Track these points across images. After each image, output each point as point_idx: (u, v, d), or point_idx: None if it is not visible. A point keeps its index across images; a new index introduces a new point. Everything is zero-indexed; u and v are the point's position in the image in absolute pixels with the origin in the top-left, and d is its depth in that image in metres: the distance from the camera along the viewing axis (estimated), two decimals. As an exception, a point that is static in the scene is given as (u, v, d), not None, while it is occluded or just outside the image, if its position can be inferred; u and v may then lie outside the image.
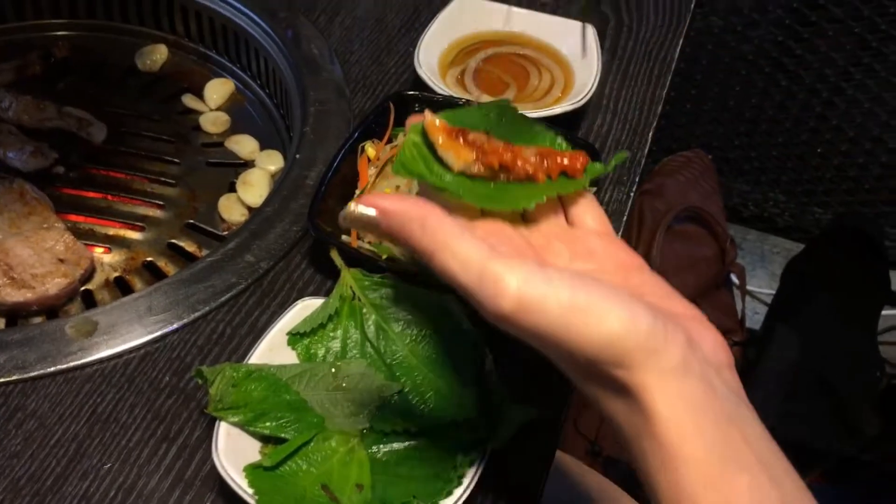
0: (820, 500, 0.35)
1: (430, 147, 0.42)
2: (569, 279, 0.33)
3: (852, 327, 1.42)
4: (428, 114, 0.42)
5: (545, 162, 0.42)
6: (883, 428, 1.32)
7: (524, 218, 0.43)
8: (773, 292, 1.58)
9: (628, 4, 0.91)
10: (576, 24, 0.82)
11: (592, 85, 0.75)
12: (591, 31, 0.80)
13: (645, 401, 0.33)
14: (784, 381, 1.36)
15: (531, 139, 0.46)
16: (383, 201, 0.35)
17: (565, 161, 0.43)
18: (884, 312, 1.47)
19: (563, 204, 0.44)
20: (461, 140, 0.41)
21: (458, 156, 0.40)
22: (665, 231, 1.37)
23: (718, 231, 1.40)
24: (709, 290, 1.39)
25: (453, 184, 0.41)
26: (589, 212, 0.44)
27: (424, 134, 0.42)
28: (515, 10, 0.83)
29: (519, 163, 0.41)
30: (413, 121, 0.42)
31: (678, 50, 0.86)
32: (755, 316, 1.67)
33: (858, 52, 1.45)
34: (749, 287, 1.55)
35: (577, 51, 0.80)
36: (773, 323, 1.46)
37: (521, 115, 0.47)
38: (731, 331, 1.38)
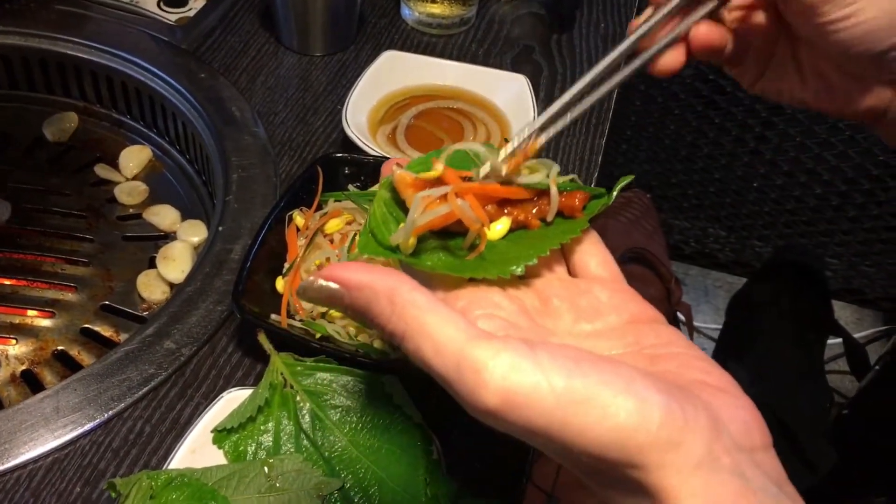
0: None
1: (403, 205, 0.36)
2: (562, 361, 0.28)
3: (799, 359, 1.41)
4: (395, 166, 0.36)
5: (538, 204, 0.37)
6: (838, 461, 1.31)
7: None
8: (719, 327, 1.57)
9: (561, 52, 0.89)
10: (508, 75, 0.79)
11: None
12: (524, 81, 0.77)
13: None
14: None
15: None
16: (345, 273, 0.30)
17: (562, 200, 0.37)
18: (828, 342, 1.47)
19: (562, 249, 0.38)
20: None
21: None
22: (610, 274, 1.35)
23: (663, 271, 1.38)
24: (657, 332, 1.37)
25: (428, 256, 0.35)
26: (593, 255, 0.38)
27: (395, 189, 0.36)
28: (445, 62, 0.80)
29: (507, 210, 0.36)
30: (386, 170, 0.37)
31: (614, 97, 0.84)
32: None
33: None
34: (695, 323, 1.53)
35: (510, 102, 0.77)
36: (723, 360, 1.45)
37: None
38: (682, 372, 1.36)
